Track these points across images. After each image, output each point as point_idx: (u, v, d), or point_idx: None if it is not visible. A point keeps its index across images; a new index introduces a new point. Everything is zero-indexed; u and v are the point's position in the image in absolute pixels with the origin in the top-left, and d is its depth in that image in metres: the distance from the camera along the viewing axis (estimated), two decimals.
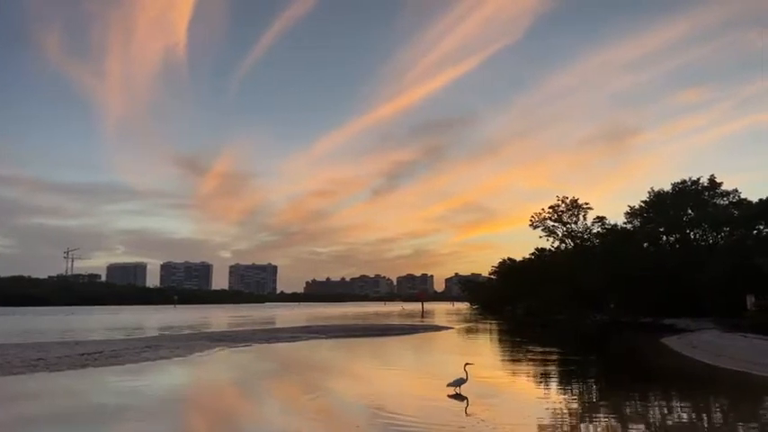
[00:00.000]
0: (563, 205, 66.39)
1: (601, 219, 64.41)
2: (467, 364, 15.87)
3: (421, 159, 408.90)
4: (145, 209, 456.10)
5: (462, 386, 15.31)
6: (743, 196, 50.05)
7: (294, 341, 35.05)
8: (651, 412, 14.40)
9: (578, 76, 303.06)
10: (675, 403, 15.68)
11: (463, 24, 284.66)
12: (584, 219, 66.06)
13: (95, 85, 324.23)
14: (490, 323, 64.77)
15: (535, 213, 68.90)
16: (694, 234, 51.32)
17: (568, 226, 66.43)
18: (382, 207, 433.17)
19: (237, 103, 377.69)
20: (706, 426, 13.16)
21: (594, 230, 65.07)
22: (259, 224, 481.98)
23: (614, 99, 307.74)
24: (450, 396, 15.02)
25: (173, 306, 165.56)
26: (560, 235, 67.36)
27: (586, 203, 66.58)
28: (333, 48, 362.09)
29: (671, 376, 21.61)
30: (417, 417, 12.78)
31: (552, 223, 67.08)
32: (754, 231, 46.62)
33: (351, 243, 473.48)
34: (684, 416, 14.08)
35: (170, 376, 21.14)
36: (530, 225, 69.24)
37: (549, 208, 67.24)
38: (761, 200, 46.92)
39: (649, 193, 55.56)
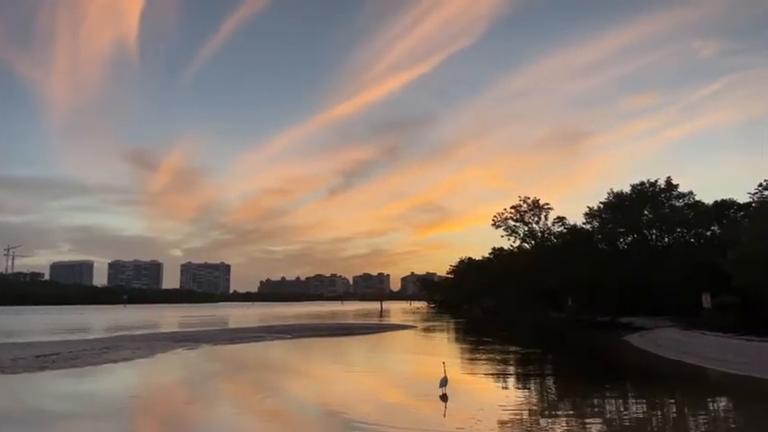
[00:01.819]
0: (525, 205, 67.48)
1: (561, 219, 65.74)
2: (443, 362, 16.01)
3: (378, 159, 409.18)
4: (92, 205, 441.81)
5: (447, 389, 15.10)
6: (697, 198, 52.00)
7: (258, 341, 34.19)
8: (635, 407, 14.52)
9: (533, 79, 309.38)
10: (655, 398, 15.83)
11: (422, 25, 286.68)
12: (546, 219, 67.36)
13: (40, 76, 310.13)
14: (451, 322, 65.19)
15: (498, 213, 69.77)
16: (652, 234, 52.86)
17: (530, 226, 67.51)
18: (339, 206, 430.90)
19: (191, 98, 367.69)
20: (687, 417, 13.33)
21: (555, 230, 66.36)
22: (212, 222, 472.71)
23: (568, 102, 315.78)
24: (440, 396, 14.76)
25: (122, 306, 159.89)
26: (522, 234, 68.35)
27: (547, 204, 67.92)
28: (290, 43, 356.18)
29: (643, 373, 21.99)
30: (411, 422, 12.46)
31: (514, 223, 68.10)
32: (708, 232, 48.45)
33: (306, 242, 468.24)
34: (665, 408, 14.35)
35: (134, 378, 20.17)
36: (492, 224, 70.03)
37: (512, 208, 68.23)
38: (716, 202, 48.86)
39: (608, 193, 56.96)
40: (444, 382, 15.17)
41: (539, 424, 12.17)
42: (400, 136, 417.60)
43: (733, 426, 13.00)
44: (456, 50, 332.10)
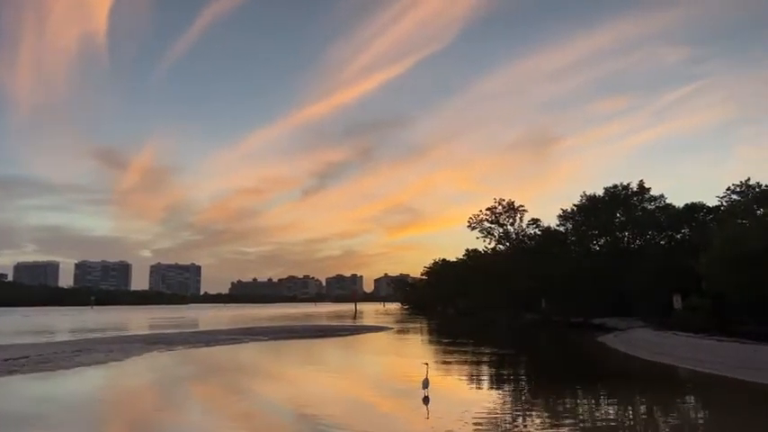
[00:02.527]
0: (500, 207, 68.08)
1: (536, 221, 66.57)
2: (426, 363, 15.91)
3: (352, 160, 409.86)
4: (58, 204, 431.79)
5: (429, 391, 14.95)
6: (667, 201, 53.09)
7: (236, 343, 33.65)
8: (616, 408, 14.71)
9: (506, 82, 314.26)
10: (637, 398, 16.15)
11: (396, 26, 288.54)
12: (521, 221, 68.07)
13: (5, 73, 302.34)
14: (425, 323, 65.37)
15: (473, 215, 70.21)
16: (624, 237, 53.74)
17: (505, 227, 68.08)
18: (312, 207, 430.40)
19: (162, 95, 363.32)
20: (668, 417, 13.54)
21: (530, 232, 67.09)
22: (182, 222, 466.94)
23: (539, 105, 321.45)
24: (423, 399, 14.62)
25: (90, 307, 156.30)
26: (497, 236, 68.90)
27: (522, 206, 68.62)
28: (265, 40, 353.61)
29: (621, 373, 22.27)
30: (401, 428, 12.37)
31: (489, 224, 68.60)
32: (678, 235, 49.50)
33: (279, 243, 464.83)
34: (649, 409, 14.57)
35: (108, 381, 19.66)
36: (468, 226, 70.37)
37: (487, 209, 68.75)
38: (686, 205, 49.93)
39: (582, 196, 57.62)
40: (426, 384, 15.00)
41: (523, 425, 12.21)
42: (374, 137, 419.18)
43: (715, 424, 13.25)
44: (430, 53, 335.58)
